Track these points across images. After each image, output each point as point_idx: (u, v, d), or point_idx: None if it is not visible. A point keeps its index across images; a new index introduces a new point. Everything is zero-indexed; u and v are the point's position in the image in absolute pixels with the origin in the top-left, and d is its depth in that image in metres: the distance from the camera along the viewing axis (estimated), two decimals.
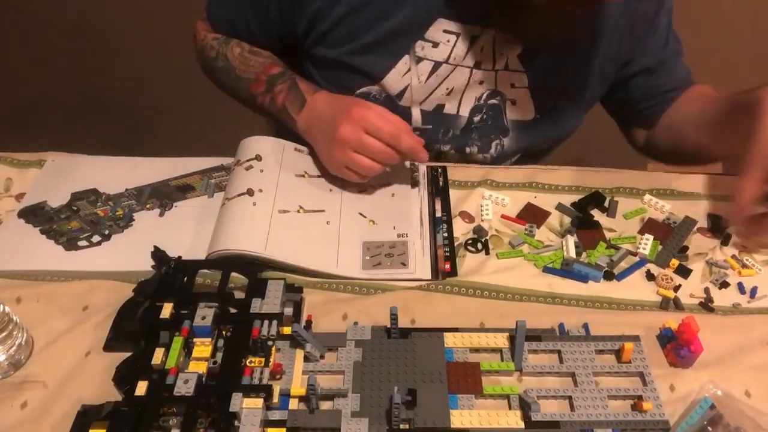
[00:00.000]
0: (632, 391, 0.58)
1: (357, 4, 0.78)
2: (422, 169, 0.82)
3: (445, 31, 0.79)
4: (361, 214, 0.75)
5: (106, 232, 0.75)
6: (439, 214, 0.77)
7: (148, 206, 0.78)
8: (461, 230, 0.75)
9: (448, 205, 0.78)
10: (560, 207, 0.78)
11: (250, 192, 0.73)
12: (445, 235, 0.74)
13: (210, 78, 0.93)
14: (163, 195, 0.79)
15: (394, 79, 0.82)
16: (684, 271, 0.70)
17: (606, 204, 0.78)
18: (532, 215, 0.77)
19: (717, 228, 0.75)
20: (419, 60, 0.81)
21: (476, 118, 0.86)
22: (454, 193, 0.80)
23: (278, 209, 0.73)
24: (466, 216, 0.77)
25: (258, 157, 0.78)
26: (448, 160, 0.88)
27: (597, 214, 0.77)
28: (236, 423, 0.54)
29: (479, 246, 0.73)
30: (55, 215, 0.76)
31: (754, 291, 0.68)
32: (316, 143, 0.79)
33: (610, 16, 0.80)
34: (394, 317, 0.61)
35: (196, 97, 1.33)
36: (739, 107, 0.72)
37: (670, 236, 0.74)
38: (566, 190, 0.80)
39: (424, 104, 0.84)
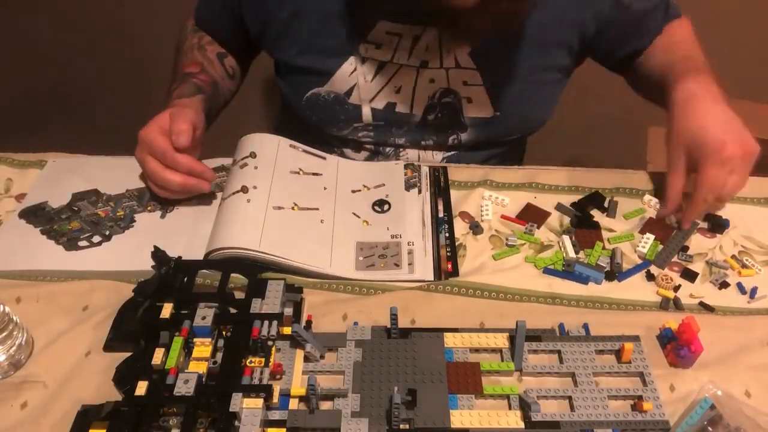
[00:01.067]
0: (632, 392, 0.58)
1: (299, 8, 0.80)
2: (424, 170, 0.82)
3: (388, 33, 0.80)
4: (354, 214, 0.75)
5: (107, 232, 0.75)
6: (441, 214, 0.77)
7: (149, 208, 0.78)
8: (461, 230, 0.75)
9: (449, 205, 0.78)
10: (560, 207, 0.78)
11: (244, 189, 0.73)
12: (447, 235, 0.74)
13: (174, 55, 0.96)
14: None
15: (341, 79, 0.84)
16: (690, 275, 0.70)
17: (606, 204, 0.78)
18: (532, 215, 0.77)
19: (716, 228, 0.75)
20: (364, 60, 0.82)
21: (430, 117, 0.86)
22: (454, 194, 0.80)
23: (273, 205, 0.73)
24: (466, 216, 0.77)
25: (252, 154, 0.78)
26: (403, 148, 0.90)
27: (597, 215, 0.77)
28: (236, 423, 0.54)
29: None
30: (55, 216, 0.76)
31: (754, 291, 0.68)
32: None
33: (554, 9, 0.79)
34: (394, 317, 0.61)
35: None
36: (665, 97, 0.76)
37: (670, 236, 0.74)
38: (566, 190, 0.80)
39: (374, 102, 0.85)
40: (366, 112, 0.86)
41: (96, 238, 0.74)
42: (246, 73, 0.99)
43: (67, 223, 0.75)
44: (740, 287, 0.69)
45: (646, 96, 0.90)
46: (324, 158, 0.82)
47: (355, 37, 0.81)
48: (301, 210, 0.74)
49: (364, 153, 0.91)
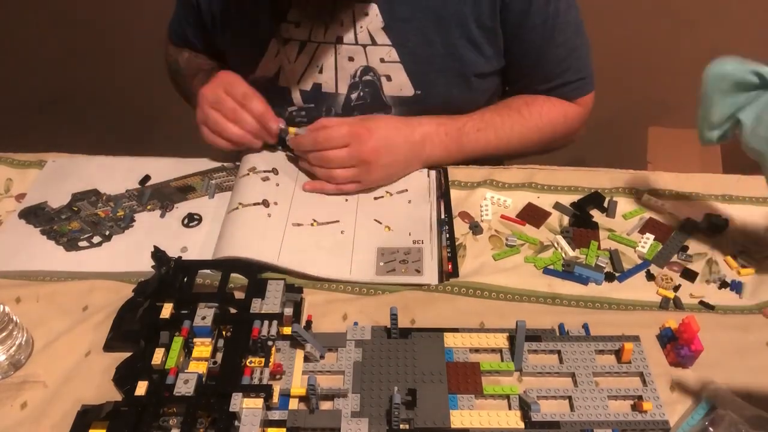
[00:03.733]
0: (632, 392, 0.58)
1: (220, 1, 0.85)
2: (432, 173, 0.82)
3: (305, 10, 0.81)
4: (376, 220, 0.76)
5: (107, 232, 0.75)
6: (442, 215, 0.77)
7: (149, 207, 0.78)
8: (461, 230, 0.75)
9: (450, 206, 0.78)
10: (558, 206, 0.78)
11: (265, 203, 0.74)
12: (447, 236, 0.74)
13: (173, 84, 1.01)
14: (164, 196, 0.79)
15: (268, 62, 0.86)
16: (690, 275, 0.70)
17: (606, 205, 0.78)
18: (532, 215, 0.77)
19: (716, 228, 0.75)
20: (286, 41, 0.84)
21: (353, 95, 0.86)
22: (454, 194, 0.80)
23: (292, 222, 0.74)
24: (466, 216, 0.77)
25: (275, 171, 0.79)
26: None
27: (597, 215, 0.77)
28: (236, 423, 0.54)
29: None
30: (55, 216, 0.76)
31: (738, 285, 0.69)
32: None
33: None
34: (394, 317, 0.61)
35: None
36: None
37: (670, 236, 0.74)
38: (566, 190, 0.80)
39: (301, 84, 0.86)
40: (295, 95, 0.87)
41: (96, 239, 0.74)
42: None
43: (67, 223, 0.76)
44: (738, 286, 0.69)
45: None
46: None
47: (275, 19, 0.83)
48: (320, 225, 0.75)
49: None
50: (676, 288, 0.69)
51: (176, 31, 0.97)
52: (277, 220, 0.73)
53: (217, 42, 0.91)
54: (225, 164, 0.83)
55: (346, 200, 0.78)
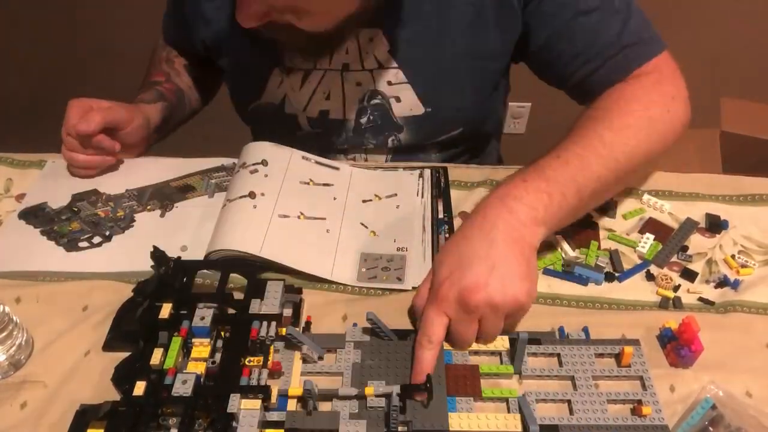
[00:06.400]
0: (632, 395, 0.58)
1: (224, 28, 0.82)
2: (426, 173, 0.82)
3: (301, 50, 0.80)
4: (362, 224, 0.75)
5: (107, 233, 0.75)
6: (440, 215, 0.76)
7: (149, 207, 0.78)
8: None
9: (450, 206, 0.78)
10: None
11: (251, 195, 0.73)
12: (447, 236, 0.74)
13: None
14: (164, 196, 0.79)
15: (272, 90, 0.85)
16: (689, 275, 0.70)
17: (605, 204, 0.78)
18: None
19: (716, 228, 0.75)
20: (290, 70, 0.83)
21: (363, 120, 0.86)
22: (454, 194, 0.80)
23: (278, 214, 0.73)
24: (466, 216, 0.77)
25: (264, 162, 0.78)
26: (348, 152, 0.90)
27: (596, 215, 0.77)
28: (234, 424, 0.54)
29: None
30: (55, 216, 0.76)
31: (750, 288, 0.68)
32: None
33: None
34: (371, 322, 0.61)
35: None
36: None
37: (670, 236, 0.74)
38: None
39: (307, 111, 0.86)
40: (303, 122, 0.87)
41: (96, 239, 0.74)
42: (219, 83, 1.00)
43: (68, 224, 0.76)
44: (735, 284, 0.69)
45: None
46: (337, 168, 0.82)
47: (277, 48, 0.81)
48: (307, 219, 0.74)
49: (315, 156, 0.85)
50: (676, 288, 0.69)
51: (166, 26, 0.96)
52: (262, 211, 0.72)
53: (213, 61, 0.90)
54: (225, 164, 0.83)
55: (335, 198, 0.77)
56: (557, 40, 0.75)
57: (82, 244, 0.73)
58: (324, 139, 0.88)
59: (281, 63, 0.83)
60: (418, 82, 0.82)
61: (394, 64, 0.81)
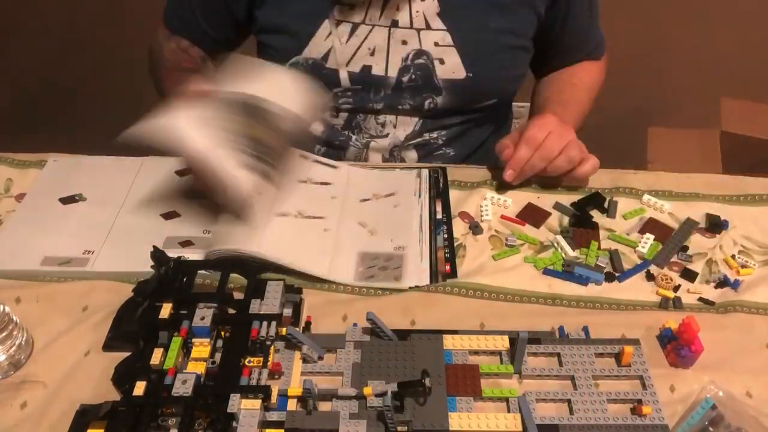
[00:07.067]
0: (632, 395, 0.58)
1: None
2: (424, 173, 0.82)
3: None
4: (360, 223, 0.75)
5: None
6: (439, 215, 0.76)
7: None
8: (460, 231, 0.75)
9: (449, 206, 0.78)
10: (558, 206, 0.78)
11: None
12: (445, 236, 0.74)
13: (150, 71, 0.98)
14: None
15: (318, 44, 0.85)
16: (690, 275, 0.70)
17: (606, 205, 0.78)
18: (532, 215, 0.77)
19: (716, 228, 0.75)
20: (338, 23, 0.84)
21: (405, 78, 0.87)
22: (454, 194, 0.80)
23: (276, 212, 0.73)
24: (466, 216, 0.77)
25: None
26: (381, 113, 0.91)
27: (597, 215, 0.77)
28: (234, 424, 0.54)
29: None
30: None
31: (749, 288, 0.68)
32: None
33: None
34: (371, 322, 0.61)
35: None
36: None
37: (670, 236, 0.74)
38: (566, 190, 0.80)
39: (350, 65, 0.86)
40: (343, 76, 0.87)
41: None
42: None
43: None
44: (735, 283, 0.69)
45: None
46: (335, 167, 0.82)
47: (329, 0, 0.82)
48: (305, 218, 0.74)
49: (342, 117, 0.92)
50: (676, 288, 0.69)
51: (176, 13, 0.93)
52: (260, 210, 0.72)
53: (253, 20, 0.88)
54: None
55: (333, 197, 0.77)
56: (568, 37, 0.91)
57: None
58: (360, 95, 0.89)
59: (331, 15, 0.84)
60: (464, 47, 0.84)
61: (442, 26, 0.83)
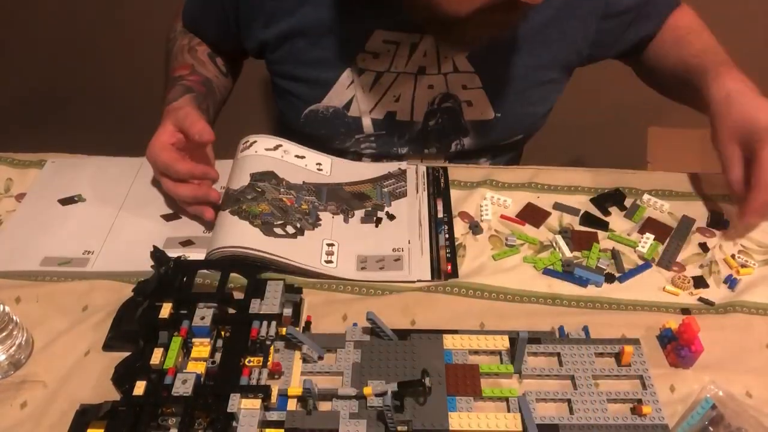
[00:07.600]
0: (632, 395, 0.58)
1: (294, 24, 0.79)
2: (422, 169, 0.82)
3: (385, 42, 0.79)
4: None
5: (298, 225, 0.71)
6: (440, 215, 0.76)
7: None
8: (460, 230, 0.75)
9: (449, 205, 0.78)
10: (558, 206, 0.78)
11: None
12: (447, 236, 0.74)
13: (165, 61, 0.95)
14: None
15: (339, 92, 0.83)
16: (702, 284, 0.69)
17: (626, 204, 0.78)
18: (532, 215, 0.77)
19: (716, 228, 0.75)
20: (361, 72, 0.82)
21: (431, 123, 0.85)
22: (453, 193, 0.80)
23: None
24: (466, 216, 0.77)
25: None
26: (405, 158, 0.89)
27: (615, 212, 0.77)
28: (234, 424, 0.54)
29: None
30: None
31: (750, 288, 0.68)
32: None
33: (552, 9, 0.78)
34: (371, 321, 0.61)
35: None
36: (701, 98, 0.76)
37: (670, 236, 0.74)
38: (566, 190, 0.80)
39: (373, 113, 0.85)
40: (366, 123, 0.86)
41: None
42: (239, 72, 0.97)
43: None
44: (734, 283, 0.69)
45: (666, 93, 0.90)
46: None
47: (352, 49, 0.80)
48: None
49: (366, 162, 0.90)
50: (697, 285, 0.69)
51: (190, 17, 0.90)
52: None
53: (267, 62, 0.86)
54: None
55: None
56: (628, 24, 0.84)
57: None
58: (384, 141, 0.87)
59: (354, 63, 0.82)
60: (493, 88, 0.83)
61: (470, 69, 0.81)
